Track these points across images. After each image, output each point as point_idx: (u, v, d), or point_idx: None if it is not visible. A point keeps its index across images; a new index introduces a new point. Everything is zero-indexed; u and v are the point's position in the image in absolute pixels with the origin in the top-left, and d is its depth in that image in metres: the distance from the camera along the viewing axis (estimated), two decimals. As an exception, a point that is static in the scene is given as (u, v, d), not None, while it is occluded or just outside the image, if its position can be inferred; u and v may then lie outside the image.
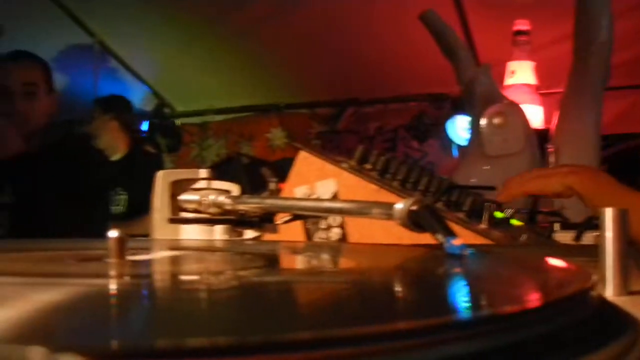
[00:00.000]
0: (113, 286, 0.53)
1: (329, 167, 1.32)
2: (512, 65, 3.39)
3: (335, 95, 4.50)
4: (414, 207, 0.71)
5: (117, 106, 3.70)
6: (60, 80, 2.56)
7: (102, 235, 0.66)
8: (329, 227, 1.31)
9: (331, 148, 4.44)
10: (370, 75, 4.13)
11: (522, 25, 3.32)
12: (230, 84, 4.41)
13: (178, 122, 4.88)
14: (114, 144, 3.60)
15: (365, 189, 1.26)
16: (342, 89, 4.38)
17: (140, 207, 2.94)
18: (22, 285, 0.51)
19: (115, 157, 3.55)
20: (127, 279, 0.59)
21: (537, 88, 3.43)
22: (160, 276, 0.64)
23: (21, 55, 2.44)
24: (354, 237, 1.29)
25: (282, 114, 4.65)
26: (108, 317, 0.37)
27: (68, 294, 0.45)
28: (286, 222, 1.06)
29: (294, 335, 0.30)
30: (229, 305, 0.43)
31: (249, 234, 1.10)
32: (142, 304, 0.44)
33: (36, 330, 0.32)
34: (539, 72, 3.41)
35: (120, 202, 3.19)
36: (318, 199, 1.24)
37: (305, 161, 1.36)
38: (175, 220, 1.13)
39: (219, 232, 1.10)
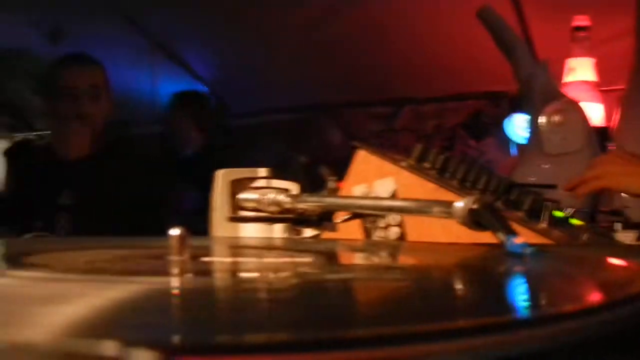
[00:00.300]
0: (177, 283, 0.54)
1: (388, 165, 1.32)
2: (572, 62, 3.34)
3: (393, 94, 4.49)
4: (475, 206, 0.71)
5: (194, 102, 3.75)
6: (118, 81, 2.60)
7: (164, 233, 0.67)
8: (387, 226, 1.31)
9: (388, 147, 4.42)
10: (428, 73, 4.11)
11: (581, 20, 3.27)
12: (287, 83, 4.42)
13: (216, 123, 4.91)
14: (187, 140, 3.64)
15: (423, 188, 1.25)
16: (399, 87, 4.37)
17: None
18: (88, 283, 0.52)
19: (188, 152, 3.60)
20: (190, 276, 0.60)
21: (597, 85, 3.38)
22: (222, 274, 0.65)
23: (86, 58, 2.48)
24: (412, 235, 1.29)
25: (339, 113, 4.65)
26: (174, 313, 0.38)
27: (134, 291, 0.46)
28: (345, 220, 1.06)
29: (353, 332, 0.31)
30: (290, 303, 0.44)
31: (308, 232, 1.10)
32: (206, 301, 0.45)
33: (106, 325, 0.33)
34: (599, 68, 3.35)
35: (190, 199, 3.22)
36: (378, 198, 1.24)
37: (364, 160, 1.36)
38: (235, 219, 1.14)
39: (278, 231, 1.11)
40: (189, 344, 0.26)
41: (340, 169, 1.39)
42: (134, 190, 2.34)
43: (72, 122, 2.36)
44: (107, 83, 2.48)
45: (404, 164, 1.32)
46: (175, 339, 0.27)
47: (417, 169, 1.31)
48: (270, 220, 1.09)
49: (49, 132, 2.80)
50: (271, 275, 0.61)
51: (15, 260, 0.68)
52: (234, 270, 0.69)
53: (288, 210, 1.07)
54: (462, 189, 1.25)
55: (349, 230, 1.22)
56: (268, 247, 0.98)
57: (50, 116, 2.44)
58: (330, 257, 0.80)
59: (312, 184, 1.29)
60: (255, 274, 0.65)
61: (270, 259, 0.79)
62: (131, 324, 0.33)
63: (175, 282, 0.54)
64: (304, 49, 4.02)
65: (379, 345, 0.29)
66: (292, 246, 0.94)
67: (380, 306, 0.44)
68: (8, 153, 3.12)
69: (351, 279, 0.60)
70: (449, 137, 4.51)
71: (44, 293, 0.45)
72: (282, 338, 0.28)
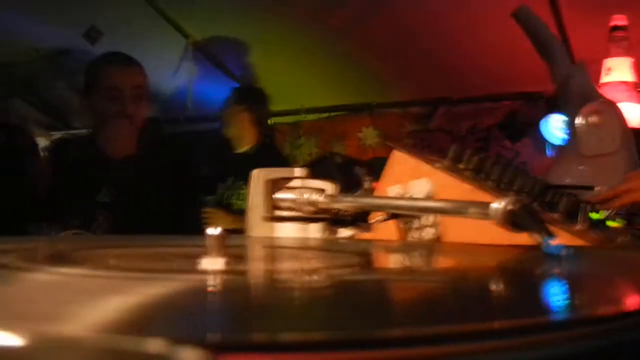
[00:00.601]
0: (215, 282, 0.55)
1: (423, 166, 1.32)
2: (609, 62, 3.31)
3: (428, 94, 4.48)
4: (512, 207, 0.71)
5: (252, 98, 3.75)
6: (155, 81, 2.61)
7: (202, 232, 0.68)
8: (422, 227, 1.31)
9: (423, 147, 4.41)
10: (463, 73, 4.10)
11: (619, 20, 3.23)
12: (322, 83, 4.43)
13: (270, 121, 4.93)
14: (243, 136, 3.65)
15: (459, 189, 1.25)
16: (434, 87, 4.36)
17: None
18: (127, 280, 0.53)
19: (243, 149, 3.61)
20: (228, 275, 0.60)
21: (635, 85, 3.34)
22: (258, 273, 0.65)
23: (129, 59, 2.50)
24: (447, 236, 1.28)
25: (373, 113, 4.65)
26: (215, 311, 0.38)
27: (172, 289, 0.47)
28: (380, 221, 1.06)
29: (387, 332, 0.31)
30: (325, 302, 0.44)
31: (344, 232, 1.10)
32: (245, 300, 0.45)
33: (148, 323, 0.33)
34: (637, 69, 3.32)
35: (242, 196, 3.24)
36: (413, 198, 1.24)
37: (399, 160, 1.36)
38: (271, 219, 1.14)
39: (313, 231, 1.11)
40: (234, 341, 0.27)
41: (376, 169, 1.39)
42: (172, 189, 2.36)
43: (118, 121, 2.38)
44: (148, 84, 2.50)
45: (439, 164, 1.32)
46: (220, 336, 0.28)
47: (452, 169, 1.31)
48: (305, 220, 1.09)
49: (85, 130, 2.82)
50: (307, 275, 0.62)
51: (56, 258, 0.69)
52: (270, 269, 0.69)
53: (324, 210, 1.07)
54: (497, 190, 1.24)
55: (383, 230, 1.22)
56: (304, 246, 0.98)
57: (94, 115, 2.46)
58: (365, 257, 0.81)
59: (347, 184, 1.29)
60: (291, 274, 0.65)
61: (306, 259, 0.80)
62: (172, 321, 0.34)
63: (213, 281, 0.55)
64: (339, 49, 4.03)
65: (413, 345, 0.29)
66: (327, 246, 0.95)
67: (414, 307, 0.44)
68: (49, 150, 3.16)
69: (385, 280, 0.61)
70: (484, 137, 4.49)
71: (85, 290, 0.46)
72: (332, 337, 0.29)
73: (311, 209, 1.07)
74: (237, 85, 3.97)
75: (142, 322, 0.33)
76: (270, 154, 3.69)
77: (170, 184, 2.38)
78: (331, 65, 4.20)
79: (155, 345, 0.23)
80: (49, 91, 4.95)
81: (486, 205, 0.73)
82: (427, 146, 4.45)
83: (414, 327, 0.33)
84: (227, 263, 0.64)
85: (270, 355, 0.27)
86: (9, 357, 0.23)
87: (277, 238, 1.13)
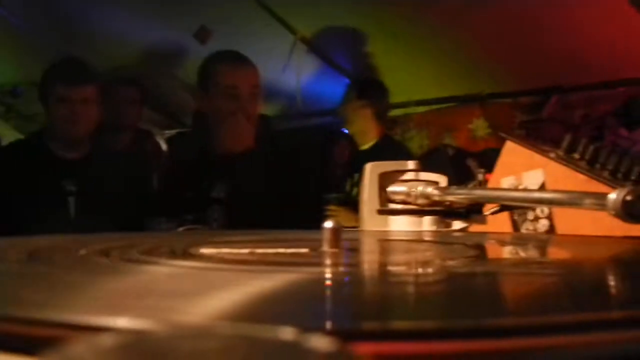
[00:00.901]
0: (338, 274, 0.56)
1: (537, 157, 1.30)
2: None
3: (539, 83, 4.40)
4: (630, 197, 0.69)
5: (374, 92, 3.70)
6: (264, 77, 2.65)
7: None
8: (536, 219, 1.30)
9: (535, 137, 4.33)
10: (575, 60, 4.00)
11: None
12: (431, 74, 4.40)
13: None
14: (365, 132, 3.63)
15: (574, 179, 1.23)
16: (545, 76, 4.27)
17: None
18: (247, 273, 0.55)
19: (367, 145, 3.59)
20: (348, 267, 0.61)
21: None
22: (377, 265, 0.66)
23: (245, 58, 2.54)
24: (562, 228, 1.27)
25: (484, 104, 4.59)
26: (340, 301, 0.40)
27: (297, 280, 0.48)
28: (494, 213, 1.06)
29: (501, 322, 0.31)
30: (442, 293, 0.45)
31: (457, 225, 1.10)
32: (370, 290, 0.46)
33: (278, 312, 0.35)
34: None
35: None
36: (527, 190, 1.23)
37: (512, 151, 1.35)
38: (384, 212, 1.15)
39: (427, 223, 1.12)
40: (363, 330, 0.28)
41: (487, 160, 1.38)
42: (287, 184, 2.39)
43: (236, 118, 2.43)
44: (261, 83, 2.54)
45: (552, 155, 1.30)
46: (350, 324, 0.29)
47: (566, 160, 1.29)
48: (419, 212, 1.10)
49: (198, 128, 2.88)
50: (425, 267, 0.62)
51: (177, 251, 0.71)
52: (386, 261, 0.70)
53: (437, 203, 1.07)
54: (614, 181, 1.22)
55: (496, 223, 1.22)
56: (417, 239, 0.98)
57: (210, 112, 2.51)
58: (478, 249, 0.81)
59: (459, 176, 1.29)
60: (407, 266, 0.66)
61: (420, 251, 0.80)
62: (300, 311, 0.35)
63: (335, 272, 0.56)
64: (447, 40, 4.00)
65: (525, 334, 0.30)
66: (441, 239, 0.95)
67: (528, 298, 0.44)
68: (166, 144, 3.25)
69: (499, 272, 0.61)
70: (598, 126, 4.37)
71: (211, 282, 0.48)
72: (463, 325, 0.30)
73: (424, 201, 1.08)
74: (355, 80, 3.91)
75: (272, 311, 0.35)
76: (396, 148, 3.65)
77: (283, 179, 2.40)
78: (440, 56, 4.17)
79: (287, 333, 0.25)
80: (161, 91, 5.07)
81: (602, 196, 0.72)
82: (540, 136, 4.36)
83: (526, 317, 0.33)
84: (345, 255, 0.66)
85: (402, 343, 0.28)
86: (149, 346, 0.25)
87: (391, 231, 1.14)
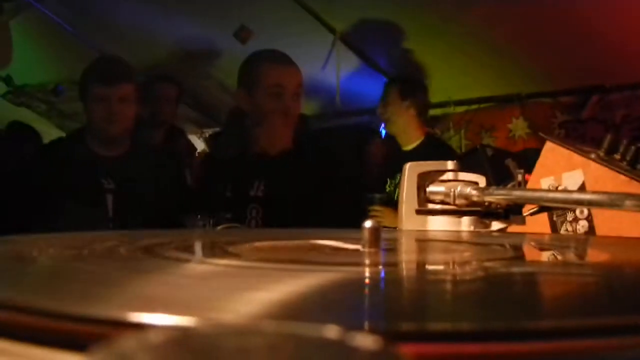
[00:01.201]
0: (377, 273, 0.56)
1: (576, 157, 1.30)
2: None
3: (579, 83, 4.36)
4: (671, 200, 0.69)
5: (416, 91, 3.64)
6: (303, 76, 2.65)
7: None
8: (575, 220, 1.29)
9: (575, 138, 4.30)
10: (617, 59, 3.96)
11: None
12: (470, 75, 4.38)
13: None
14: (408, 132, 3.59)
15: (614, 180, 1.22)
16: (586, 75, 4.23)
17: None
18: (286, 271, 0.55)
19: (408, 146, 3.56)
20: (387, 267, 0.62)
21: None
22: (414, 265, 0.67)
23: (288, 58, 2.55)
24: (601, 229, 1.26)
25: (523, 104, 4.56)
26: (382, 300, 0.40)
27: (338, 279, 0.49)
28: (533, 213, 1.05)
29: (536, 323, 0.31)
30: (481, 293, 0.45)
31: (496, 225, 1.10)
32: (409, 291, 0.47)
33: (323, 311, 0.35)
34: None
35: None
36: (567, 191, 1.22)
37: (552, 152, 1.34)
38: (423, 212, 1.15)
39: (465, 224, 1.11)
40: (410, 330, 0.28)
41: (526, 161, 1.38)
42: (325, 183, 2.39)
43: (277, 117, 2.44)
44: (302, 84, 2.55)
45: (593, 155, 1.29)
46: (394, 325, 0.29)
47: (607, 160, 1.28)
48: (457, 213, 1.10)
49: (234, 127, 2.89)
50: (466, 268, 0.63)
51: (215, 249, 0.72)
52: (426, 261, 0.70)
53: (475, 203, 1.07)
54: (656, 182, 1.21)
55: (535, 223, 1.21)
56: (457, 239, 0.98)
57: (253, 112, 2.52)
58: (517, 250, 0.80)
59: (498, 176, 1.28)
60: (448, 266, 0.66)
61: (460, 252, 0.80)
62: (344, 310, 0.36)
63: (376, 272, 0.57)
64: (486, 40, 3.97)
65: (563, 337, 0.30)
66: (480, 239, 0.95)
67: (566, 300, 0.44)
68: (205, 142, 3.27)
69: (538, 273, 0.61)
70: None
71: (253, 280, 0.49)
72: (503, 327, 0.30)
73: (463, 202, 1.08)
74: (396, 79, 3.86)
75: (313, 310, 0.35)
76: (441, 148, 3.62)
77: (321, 178, 2.41)
78: (479, 55, 4.15)
79: (332, 331, 0.25)
80: (200, 90, 5.10)
81: (644, 197, 0.72)
82: (580, 137, 4.33)
83: (564, 319, 0.33)
84: (384, 255, 0.66)
85: (446, 345, 0.28)
86: (196, 342, 0.25)
87: (429, 231, 1.14)
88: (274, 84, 2.44)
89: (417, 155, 3.21)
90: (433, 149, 3.43)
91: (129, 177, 2.56)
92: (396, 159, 3.44)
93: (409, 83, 3.68)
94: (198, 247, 0.79)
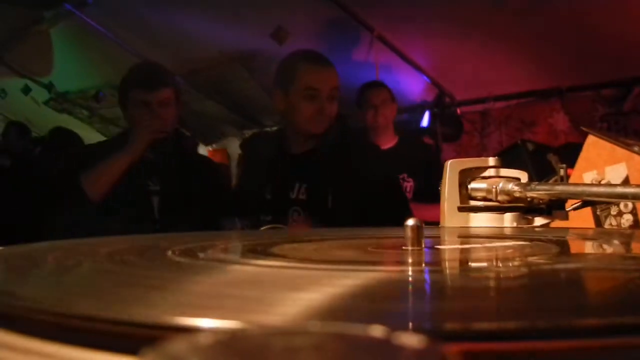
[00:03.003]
0: (425, 272, 0.56)
1: (619, 151, 1.28)
2: None
3: (621, 75, 4.31)
4: None
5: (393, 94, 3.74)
6: (341, 76, 2.66)
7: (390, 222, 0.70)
8: (620, 214, 1.28)
9: (617, 130, 4.26)
10: (659, 50, 3.91)
11: None
12: (509, 69, 4.36)
13: (459, 110, 4.90)
14: (389, 133, 3.65)
15: (659, 173, 1.21)
16: (628, 67, 4.18)
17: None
18: (331, 272, 0.55)
19: (387, 146, 3.60)
20: (430, 265, 0.62)
21: None
22: (457, 263, 0.67)
23: (326, 60, 2.56)
24: (647, 223, 1.25)
25: (564, 98, 4.53)
26: (426, 300, 0.40)
27: (384, 278, 0.49)
28: (576, 208, 1.05)
29: (580, 321, 0.31)
30: (525, 291, 0.45)
31: (539, 221, 1.09)
32: (453, 289, 0.47)
33: (362, 311, 0.36)
34: None
35: (406, 188, 3.24)
36: (610, 184, 1.21)
37: (594, 145, 1.33)
38: (465, 209, 1.15)
39: (508, 220, 1.11)
40: (455, 330, 0.29)
41: (568, 155, 1.37)
42: (364, 183, 2.39)
43: (312, 119, 2.45)
44: (339, 85, 2.55)
45: (636, 148, 1.28)
46: (444, 324, 0.29)
47: (651, 153, 1.27)
48: (500, 209, 1.09)
49: (276, 127, 2.91)
50: (508, 265, 0.63)
51: (261, 250, 0.73)
52: (470, 259, 0.70)
53: (517, 199, 1.07)
54: (700, 174, 1.20)
55: (579, 218, 1.20)
56: (499, 236, 0.98)
57: (289, 113, 2.53)
58: (561, 246, 0.80)
59: (540, 171, 1.28)
60: (491, 263, 0.66)
61: (503, 248, 0.80)
62: (389, 310, 0.36)
63: (417, 271, 0.57)
64: (525, 34, 3.95)
65: (609, 334, 0.30)
66: (523, 235, 0.94)
67: (611, 296, 0.44)
68: (242, 146, 3.28)
69: (581, 269, 0.60)
70: (684, 118, 4.28)
71: (299, 281, 0.49)
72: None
73: (505, 198, 1.07)
74: (374, 82, 3.92)
75: (357, 310, 0.36)
76: (416, 145, 3.69)
77: (362, 178, 2.41)
78: (517, 49, 4.13)
79: (377, 330, 0.25)
80: (238, 91, 5.13)
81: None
82: (622, 129, 4.29)
83: (609, 317, 0.33)
84: (427, 253, 0.66)
85: (491, 343, 0.28)
86: (244, 343, 0.26)
87: (472, 227, 1.14)
88: (308, 85, 2.45)
89: (397, 153, 3.30)
90: (410, 146, 3.52)
91: (174, 178, 2.59)
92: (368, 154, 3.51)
93: (386, 85, 3.77)
94: (242, 248, 0.80)
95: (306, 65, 2.51)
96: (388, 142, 3.57)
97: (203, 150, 6.08)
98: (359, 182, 2.38)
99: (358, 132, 3.12)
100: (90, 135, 5.35)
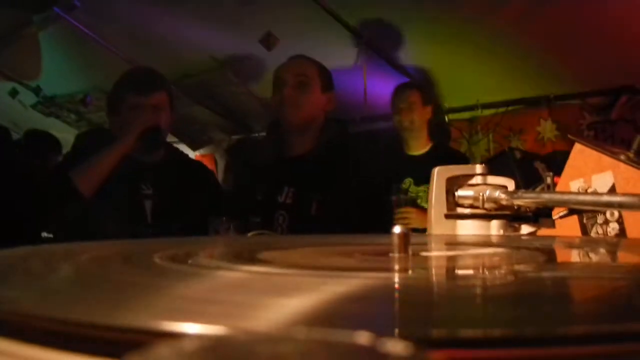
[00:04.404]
0: (411, 278, 0.56)
1: (606, 159, 1.29)
2: None
3: (608, 83, 4.33)
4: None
5: (435, 97, 3.66)
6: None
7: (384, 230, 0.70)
8: (606, 222, 1.28)
9: (604, 139, 4.28)
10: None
11: None
12: (498, 77, 4.37)
13: (447, 117, 4.91)
14: (420, 138, 3.59)
15: (645, 182, 1.21)
16: (615, 76, 4.20)
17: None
18: (315, 278, 0.55)
19: (417, 152, 3.57)
20: (416, 272, 0.62)
21: None
22: (443, 270, 0.67)
23: (303, 56, 2.58)
24: (633, 232, 1.25)
25: (552, 106, 4.55)
26: (414, 307, 0.40)
27: (369, 285, 0.49)
28: (562, 216, 1.05)
29: (567, 329, 0.31)
30: (511, 298, 0.45)
31: (525, 229, 1.10)
32: (439, 296, 0.47)
33: (347, 317, 0.36)
34: None
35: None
36: (597, 193, 1.22)
37: (581, 154, 1.33)
38: (452, 216, 1.15)
39: (495, 228, 1.11)
40: (441, 337, 0.29)
41: (556, 163, 1.37)
42: (354, 189, 2.39)
43: (282, 107, 2.47)
44: (321, 77, 2.55)
45: (622, 157, 1.28)
46: (431, 332, 0.29)
47: (637, 162, 1.27)
48: (487, 217, 1.10)
49: (265, 133, 2.91)
50: (493, 273, 0.63)
51: (247, 256, 0.73)
52: (455, 266, 0.70)
53: (504, 207, 1.07)
54: (687, 183, 1.20)
55: (565, 226, 1.21)
56: (486, 243, 0.98)
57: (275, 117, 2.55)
58: (546, 254, 0.80)
59: (527, 179, 1.28)
60: (477, 271, 0.66)
61: (488, 256, 0.80)
62: (374, 316, 0.36)
63: (403, 277, 0.57)
64: (514, 42, 3.96)
65: (594, 342, 0.30)
66: (509, 243, 0.95)
67: (597, 304, 0.44)
68: (229, 151, 3.29)
69: (567, 277, 0.60)
70: (670, 127, 4.30)
71: (283, 287, 0.49)
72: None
73: (492, 205, 1.07)
74: (416, 84, 3.87)
75: (342, 317, 0.36)
76: (451, 157, 3.64)
77: (350, 184, 2.41)
78: (506, 58, 4.14)
79: (363, 337, 0.25)
80: (227, 96, 5.12)
81: (675, 199, 0.71)
82: (609, 138, 4.31)
83: (595, 324, 0.33)
84: (413, 260, 0.66)
85: (478, 351, 0.28)
86: (229, 350, 0.25)
87: (459, 235, 1.14)
88: (275, 76, 2.49)
89: (428, 160, 3.23)
90: (444, 155, 3.44)
91: (166, 183, 2.58)
92: (403, 163, 3.44)
93: (429, 88, 3.69)
94: (228, 254, 0.80)
95: (283, 63, 2.56)
96: (420, 147, 3.53)
97: (191, 155, 6.07)
98: (346, 190, 2.38)
99: (350, 137, 3.12)
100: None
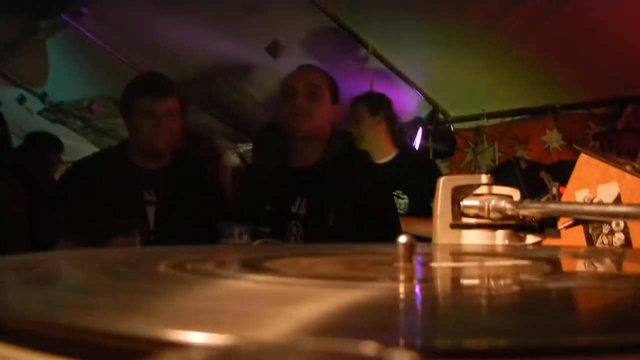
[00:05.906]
0: (417, 289, 0.56)
1: (611, 169, 1.29)
2: None
3: (614, 93, 4.32)
4: None
5: (385, 106, 3.68)
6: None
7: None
8: (611, 232, 1.28)
9: (610, 149, 4.27)
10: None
11: None
12: (503, 87, 4.37)
13: (452, 127, 4.91)
14: (381, 147, 3.60)
15: (650, 193, 1.21)
16: (621, 86, 4.20)
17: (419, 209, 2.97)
18: (321, 288, 0.55)
19: (381, 160, 3.56)
20: (422, 282, 0.62)
21: None
22: (449, 280, 0.67)
23: (312, 65, 2.58)
24: (638, 242, 1.25)
25: (557, 116, 4.54)
26: (419, 317, 0.40)
27: (375, 295, 0.49)
28: (568, 227, 1.05)
29: (574, 340, 0.31)
30: (517, 309, 0.45)
31: (531, 239, 1.10)
32: (445, 307, 0.47)
33: (351, 327, 0.36)
34: None
35: (400, 205, 3.21)
36: (602, 203, 1.22)
37: (587, 164, 1.33)
38: (457, 226, 1.15)
39: (500, 237, 1.11)
40: (446, 347, 0.29)
41: (561, 173, 1.37)
42: (364, 199, 2.39)
43: (291, 118, 2.47)
44: (331, 88, 2.55)
45: (628, 167, 1.28)
46: (436, 342, 0.30)
47: (643, 173, 1.27)
48: (492, 227, 1.09)
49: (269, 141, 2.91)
50: (498, 282, 0.63)
51: (254, 265, 0.73)
52: (461, 276, 0.70)
53: (510, 217, 1.07)
54: (692, 194, 1.20)
55: (570, 236, 1.20)
56: (491, 253, 0.98)
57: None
58: (552, 264, 0.80)
59: (532, 189, 1.28)
60: (481, 281, 0.66)
61: (494, 266, 0.80)
62: (381, 326, 0.36)
63: (409, 288, 0.57)
64: (520, 52, 3.96)
65: (600, 353, 0.30)
66: (514, 253, 0.95)
67: (603, 314, 0.44)
68: (240, 158, 3.29)
69: (573, 287, 0.60)
70: (677, 137, 4.29)
71: (290, 296, 0.49)
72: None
73: (498, 215, 1.07)
74: (363, 96, 3.88)
75: (348, 327, 0.36)
76: (418, 161, 3.65)
77: (359, 195, 2.40)
78: (512, 67, 4.14)
79: (369, 347, 0.25)
80: (233, 104, 5.12)
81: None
82: (615, 148, 4.30)
83: (600, 335, 0.33)
84: (419, 270, 0.66)
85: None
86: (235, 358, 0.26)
87: (464, 245, 1.13)
88: (286, 84, 2.48)
89: (393, 167, 3.24)
90: (409, 161, 3.46)
91: (171, 189, 2.58)
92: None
93: (375, 98, 3.70)
94: (236, 262, 0.80)
95: (292, 71, 2.55)
96: (382, 156, 3.53)
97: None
98: (359, 199, 2.37)
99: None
100: (84, 147, 5.33)
